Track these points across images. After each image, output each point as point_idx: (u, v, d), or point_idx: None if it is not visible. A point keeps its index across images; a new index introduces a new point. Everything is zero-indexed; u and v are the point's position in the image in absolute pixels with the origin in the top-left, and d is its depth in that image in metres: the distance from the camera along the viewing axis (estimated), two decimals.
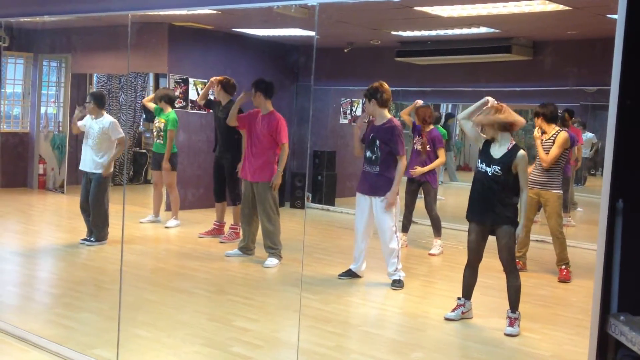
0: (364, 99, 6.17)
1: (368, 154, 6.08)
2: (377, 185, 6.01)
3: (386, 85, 6.13)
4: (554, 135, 6.52)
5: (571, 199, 9.53)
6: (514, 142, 4.95)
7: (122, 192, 9.59)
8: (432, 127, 7.59)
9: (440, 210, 7.90)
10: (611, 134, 2.70)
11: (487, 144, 5.00)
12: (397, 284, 6.04)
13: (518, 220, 4.93)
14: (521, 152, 4.89)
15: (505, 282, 4.96)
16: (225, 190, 7.74)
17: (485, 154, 4.97)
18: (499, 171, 4.85)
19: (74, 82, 11.05)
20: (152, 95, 8.61)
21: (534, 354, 4.56)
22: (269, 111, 6.72)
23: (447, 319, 5.16)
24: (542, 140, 6.57)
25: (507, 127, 4.91)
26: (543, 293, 6.17)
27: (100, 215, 7.04)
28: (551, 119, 6.60)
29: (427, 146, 7.45)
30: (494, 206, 4.89)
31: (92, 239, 7.07)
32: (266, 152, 6.67)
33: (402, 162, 6.05)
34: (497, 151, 4.93)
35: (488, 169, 4.89)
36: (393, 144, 5.98)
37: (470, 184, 5.13)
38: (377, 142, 6.00)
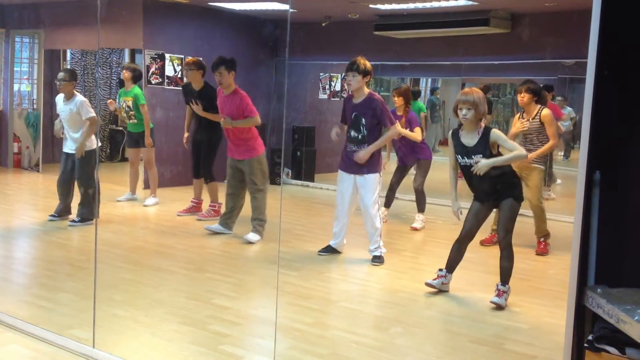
0: (346, 74, 5.95)
1: (353, 133, 5.95)
2: (366, 164, 5.94)
3: (366, 60, 5.96)
4: (538, 114, 6.50)
5: (551, 171, 9.59)
6: (483, 125, 4.92)
7: (97, 170, 9.48)
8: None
9: None
10: (588, 105, 2.68)
11: (455, 134, 4.98)
12: (378, 259, 6.03)
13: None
14: (493, 130, 4.89)
15: (499, 258, 4.99)
16: None
17: (459, 146, 4.94)
18: (481, 159, 4.83)
19: (47, 58, 10.85)
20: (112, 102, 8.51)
21: (513, 327, 4.58)
22: (232, 90, 6.62)
23: (427, 284, 5.18)
24: (529, 120, 6.53)
25: (482, 113, 4.87)
26: (522, 266, 6.18)
27: (84, 195, 6.93)
28: (538, 95, 6.59)
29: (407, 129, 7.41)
30: (495, 187, 4.90)
31: (77, 219, 6.97)
32: (244, 130, 6.61)
33: (394, 130, 6.01)
34: (470, 139, 4.90)
35: (471, 161, 4.87)
36: (382, 119, 5.90)
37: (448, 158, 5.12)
38: (363, 119, 5.89)
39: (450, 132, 5.05)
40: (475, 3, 8.02)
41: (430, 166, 7.59)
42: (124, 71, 8.21)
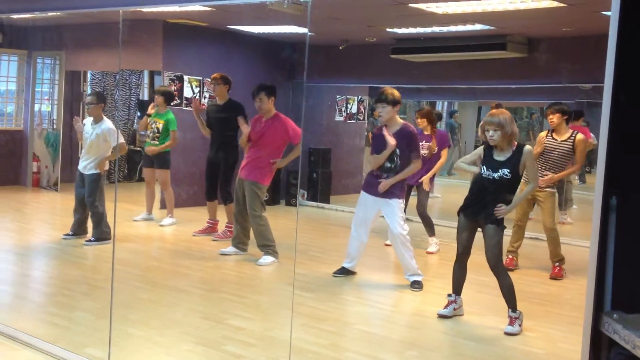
0: (375, 106, 5.98)
1: (386, 163, 5.92)
2: (391, 190, 5.94)
3: (393, 89, 5.98)
4: (572, 137, 6.47)
5: (568, 195, 9.53)
6: (516, 144, 4.91)
7: (117, 190, 9.56)
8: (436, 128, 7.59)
9: (436, 208, 7.88)
10: (605, 130, 2.68)
11: (489, 149, 4.97)
12: (417, 285, 5.98)
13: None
14: (527, 147, 4.88)
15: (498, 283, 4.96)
16: (217, 189, 7.72)
17: (489, 160, 4.91)
18: (507, 174, 4.81)
19: (68, 79, 11.00)
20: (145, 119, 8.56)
21: (529, 352, 4.54)
22: (273, 114, 6.69)
23: (440, 316, 5.15)
24: (558, 141, 6.51)
25: (511, 133, 4.87)
26: (537, 291, 6.15)
27: (95, 214, 7.01)
28: (569, 115, 6.59)
29: (435, 149, 7.41)
30: (490, 205, 4.88)
31: (93, 238, 7.03)
32: (268, 154, 6.66)
33: (418, 164, 6.01)
34: (502, 155, 4.88)
35: (495, 175, 4.84)
36: (413, 149, 5.93)
37: (466, 181, 5.12)
38: (397, 150, 5.88)
39: (485, 145, 5.02)
40: (493, 28, 8.05)
41: (429, 193, 7.59)
42: (157, 96, 8.30)
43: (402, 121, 6.02)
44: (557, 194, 6.75)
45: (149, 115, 8.30)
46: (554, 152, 6.50)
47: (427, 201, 7.53)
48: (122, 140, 7.08)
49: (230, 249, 6.91)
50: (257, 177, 6.64)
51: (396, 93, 5.90)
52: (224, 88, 7.49)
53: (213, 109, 7.61)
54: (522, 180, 5.06)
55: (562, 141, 6.49)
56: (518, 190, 5.02)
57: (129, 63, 10.20)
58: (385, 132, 5.89)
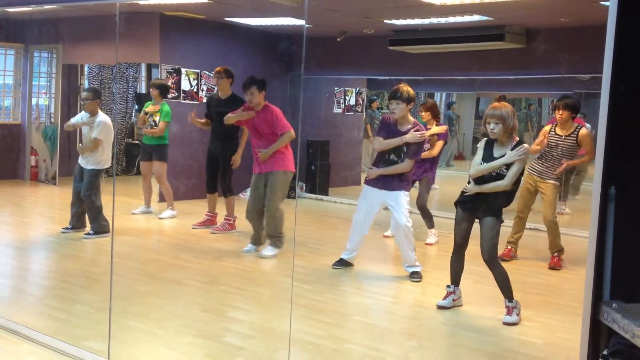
0: (390, 102, 5.95)
1: (392, 156, 5.92)
2: (395, 182, 5.94)
3: (409, 87, 5.96)
4: (575, 133, 6.45)
5: (574, 186, 9.61)
6: (517, 139, 4.90)
7: (114, 184, 9.55)
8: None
9: (434, 199, 7.88)
10: (603, 120, 2.68)
11: (489, 144, 4.95)
12: (416, 275, 5.99)
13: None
14: (524, 146, 4.85)
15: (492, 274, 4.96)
16: (217, 182, 7.70)
17: (489, 156, 4.90)
18: (505, 170, 4.81)
19: (65, 72, 10.97)
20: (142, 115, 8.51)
21: (527, 342, 4.56)
22: (263, 105, 6.68)
23: (439, 307, 5.16)
24: (562, 137, 6.49)
25: (512, 127, 4.85)
26: (536, 281, 6.17)
27: (92, 208, 7.01)
28: (577, 111, 6.55)
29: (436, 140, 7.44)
30: (489, 199, 4.88)
31: (91, 232, 7.03)
32: (273, 142, 6.61)
33: (409, 165, 5.96)
34: (502, 150, 4.87)
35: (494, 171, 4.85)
36: (417, 150, 5.94)
37: (464, 172, 5.10)
38: (404, 147, 5.88)
39: (486, 139, 5.00)
40: (491, 18, 8.04)
41: (430, 188, 7.61)
42: (152, 89, 8.30)
43: (412, 119, 6.01)
44: (559, 186, 6.75)
45: (146, 113, 8.29)
46: (557, 148, 6.49)
47: (427, 195, 7.54)
48: (100, 137, 6.95)
49: (251, 246, 6.81)
50: (282, 165, 6.60)
51: (411, 91, 5.90)
52: (227, 82, 7.46)
53: (214, 102, 7.58)
54: (525, 171, 5.02)
55: (565, 136, 6.48)
56: (522, 181, 4.98)
57: (126, 56, 10.16)
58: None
